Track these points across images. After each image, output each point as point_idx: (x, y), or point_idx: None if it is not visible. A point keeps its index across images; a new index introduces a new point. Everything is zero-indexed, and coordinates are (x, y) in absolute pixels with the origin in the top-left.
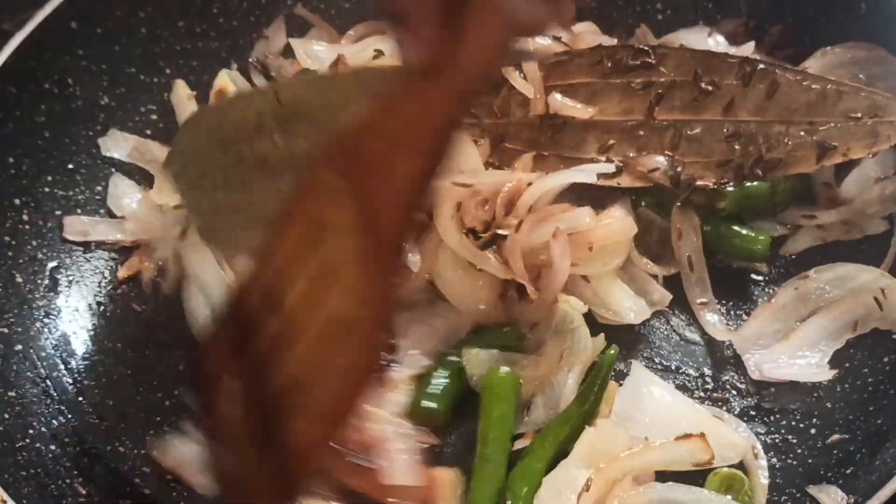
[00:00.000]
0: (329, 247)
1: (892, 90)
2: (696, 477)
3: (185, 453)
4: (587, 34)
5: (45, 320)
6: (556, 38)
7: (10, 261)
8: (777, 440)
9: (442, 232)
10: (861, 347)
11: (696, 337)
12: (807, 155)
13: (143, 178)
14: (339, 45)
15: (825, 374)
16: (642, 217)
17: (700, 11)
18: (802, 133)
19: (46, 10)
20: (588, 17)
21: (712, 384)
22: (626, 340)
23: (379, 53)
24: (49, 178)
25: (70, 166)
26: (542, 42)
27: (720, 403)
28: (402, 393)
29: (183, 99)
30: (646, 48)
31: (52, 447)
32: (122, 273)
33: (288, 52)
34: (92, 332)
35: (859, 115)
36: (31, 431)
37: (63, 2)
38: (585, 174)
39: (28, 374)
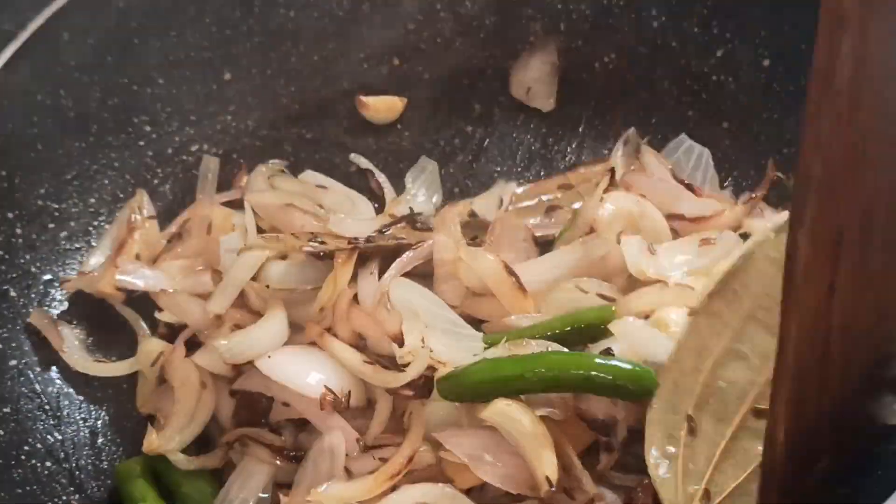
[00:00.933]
0: None
1: None
2: None
3: None
4: None
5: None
6: None
7: (3, 275)
8: None
9: None
10: None
11: None
12: None
13: None
14: None
15: None
16: None
17: (696, 18)
18: None
19: (37, 21)
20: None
21: None
22: None
23: None
24: (42, 191)
25: (63, 179)
26: None
27: None
28: None
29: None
30: None
31: (48, 463)
32: None
33: None
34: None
35: None
36: (26, 448)
37: (54, 14)
38: None
39: (23, 389)
